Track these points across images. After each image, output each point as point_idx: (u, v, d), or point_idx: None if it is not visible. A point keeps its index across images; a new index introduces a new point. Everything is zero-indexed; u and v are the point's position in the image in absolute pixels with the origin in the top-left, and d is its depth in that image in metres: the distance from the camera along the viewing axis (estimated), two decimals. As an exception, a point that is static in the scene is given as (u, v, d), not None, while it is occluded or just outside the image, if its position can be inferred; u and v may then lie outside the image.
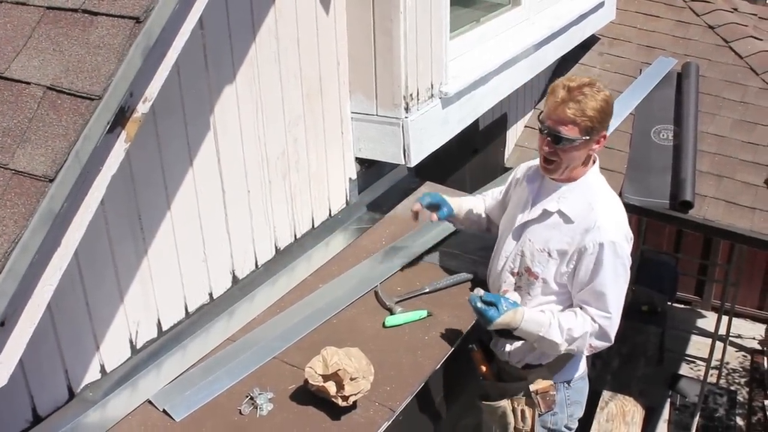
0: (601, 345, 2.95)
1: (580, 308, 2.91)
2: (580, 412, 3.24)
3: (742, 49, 5.74)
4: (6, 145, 1.93)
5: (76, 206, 1.95)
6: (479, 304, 2.89)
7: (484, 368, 3.19)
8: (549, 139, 2.79)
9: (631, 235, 2.91)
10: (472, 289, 3.24)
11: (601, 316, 2.87)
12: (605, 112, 2.76)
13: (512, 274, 3.05)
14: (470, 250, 3.54)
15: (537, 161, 3.02)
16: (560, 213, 2.88)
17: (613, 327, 2.89)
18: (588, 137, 2.76)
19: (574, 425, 3.25)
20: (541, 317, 2.92)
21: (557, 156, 2.81)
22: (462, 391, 3.42)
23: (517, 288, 3.04)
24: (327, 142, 3.46)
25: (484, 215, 3.45)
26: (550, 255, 2.90)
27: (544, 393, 3.06)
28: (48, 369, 2.42)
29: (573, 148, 2.78)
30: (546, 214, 2.92)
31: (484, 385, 3.21)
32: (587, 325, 2.88)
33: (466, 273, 3.37)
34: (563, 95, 2.74)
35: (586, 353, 3.00)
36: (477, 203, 3.48)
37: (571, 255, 2.86)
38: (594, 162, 2.94)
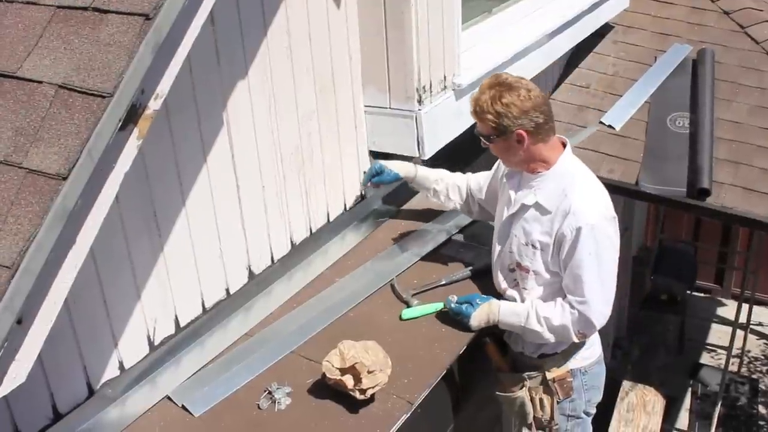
0: (589, 332, 2.99)
1: (564, 297, 2.93)
2: (598, 397, 3.25)
3: (759, 34, 5.68)
4: (19, 144, 1.95)
5: (90, 204, 1.96)
6: (453, 304, 3.01)
7: (498, 360, 3.20)
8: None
9: (613, 213, 2.92)
10: (484, 276, 3.27)
11: (577, 302, 2.88)
12: (503, 114, 2.78)
13: (507, 270, 3.08)
14: (486, 242, 3.52)
15: None
16: (537, 205, 2.91)
17: (593, 312, 2.89)
18: (497, 136, 2.84)
19: (593, 410, 3.26)
20: (518, 308, 2.99)
21: (491, 150, 2.95)
22: (480, 383, 3.41)
23: (515, 284, 3.06)
24: (341, 136, 3.46)
25: (452, 193, 3.47)
26: (534, 247, 2.92)
27: (562, 380, 3.07)
28: (67, 366, 2.43)
29: (495, 144, 2.89)
30: (524, 208, 2.95)
31: (500, 376, 3.22)
32: (566, 313, 2.90)
33: (481, 264, 3.36)
34: (473, 96, 2.89)
35: (576, 340, 2.99)
36: (448, 179, 3.49)
37: (552, 244, 2.88)
38: (564, 146, 2.96)
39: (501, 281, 3.12)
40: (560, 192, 2.86)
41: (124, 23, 2.01)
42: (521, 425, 3.21)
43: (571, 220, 2.80)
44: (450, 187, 3.46)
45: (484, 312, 2.99)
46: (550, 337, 2.95)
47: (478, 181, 3.42)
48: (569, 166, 2.94)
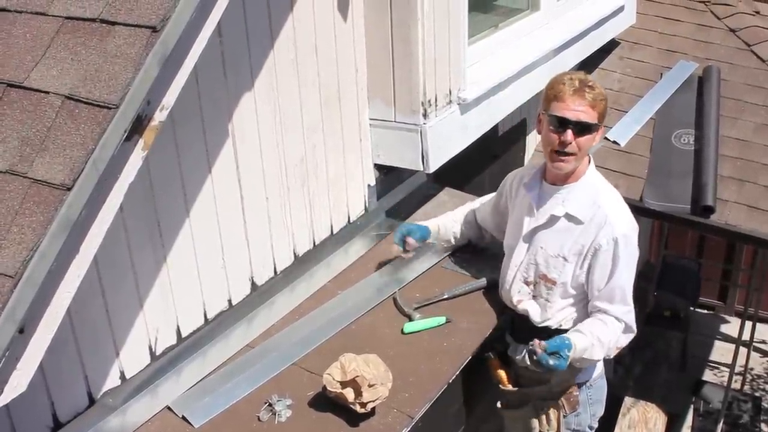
0: (627, 340, 3.01)
1: (602, 312, 2.92)
2: (601, 411, 3.27)
3: (764, 53, 5.69)
4: (25, 154, 1.95)
5: (94, 214, 1.97)
6: (552, 362, 2.78)
7: (501, 376, 3.18)
8: (571, 129, 2.78)
9: (636, 224, 2.95)
10: (487, 291, 3.27)
11: (625, 312, 2.91)
12: (607, 101, 2.86)
13: (526, 283, 3.05)
14: (488, 257, 3.52)
15: (525, 169, 3.14)
16: (568, 216, 2.90)
17: (633, 319, 2.96)
18: (599, 123, 2.83)
19: (596, 425, 3.27)
20: (584, 342, 2.86)
21: (576, 146, 2.81)
22: (482, 397, 3.40)
23: (534, 297, 3.04)
24: (345, 149, 3.46)
25: (462, 229, 3.50)
26: (565, 259, 2.91)
27: (569, 394, 3.07)
28: (68, 375, 2.43)
29: (590, 135, 2.82)
30: (553, 219, 2.93)
31: (504, 392, 3.20)
32: (618, 329, 2.93)
33: (484, 279, 3.36)
34: (576, 85, 2.78)
35: (612, 355, 3.01)
36: (450, 219, 3.51)
37: (585, 254, 2.87)
38: (590, 161, 2.97)
39: (515, 293, 3.09)
40: (591, 203, 2.86)
41: (131, 35, 2.02)
42: (526, 440, 3.20)
43: (608, 230, 2.81)
44: (462, 231, 3.51)
45: (570, 360, 2.84)
46: (603, 356, 2.97)
47: (483, 209, 3.44)
48: (596, 178, 2.96)
